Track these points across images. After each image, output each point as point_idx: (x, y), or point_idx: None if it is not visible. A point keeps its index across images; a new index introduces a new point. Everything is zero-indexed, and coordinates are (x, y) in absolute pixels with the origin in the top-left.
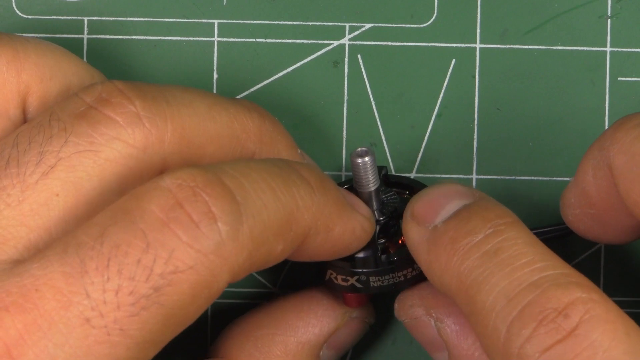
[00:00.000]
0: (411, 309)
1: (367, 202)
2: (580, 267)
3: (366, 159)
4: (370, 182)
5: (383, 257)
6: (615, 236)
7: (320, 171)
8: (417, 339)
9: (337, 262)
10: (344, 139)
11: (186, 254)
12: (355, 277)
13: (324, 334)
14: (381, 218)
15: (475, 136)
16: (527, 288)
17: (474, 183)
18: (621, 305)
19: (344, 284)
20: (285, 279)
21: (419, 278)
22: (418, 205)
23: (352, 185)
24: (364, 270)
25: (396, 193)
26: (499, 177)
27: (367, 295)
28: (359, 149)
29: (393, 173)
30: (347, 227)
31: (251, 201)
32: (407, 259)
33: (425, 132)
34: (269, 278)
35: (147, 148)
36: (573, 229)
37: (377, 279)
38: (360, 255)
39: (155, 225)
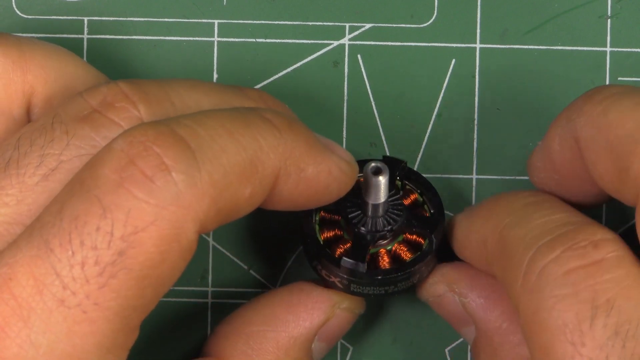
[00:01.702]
0: (433, 286)
1: (372, 211)
2: None
3: (380, 178)
4: (381, 197)
5: (369, 272)
6: (578, 201)
7: (289, 114)
8: (442, 316)
9: (324, 259)
10: (344, 139)
11: (144, 211)
12: (338, 279)
13: (314, 327)
14: (381, 229)
15: (475, 136)
16: (563, 224)
17: (474, 183)
18: None
19: (327, 278)
20: (285, 279)
21: (401, 293)
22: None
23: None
24: (346, 276)
25: (402, 202)
26: (499, 177)
27: None
28: (376, 164)
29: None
30: (321, 168)
31: (207, 146)
32: (390, 279)
33: (425, 132)
34: (269, 278)
35: None
36: (538, 189)
37: (358, 287)
38: (347, 260)
39: (109, 187)
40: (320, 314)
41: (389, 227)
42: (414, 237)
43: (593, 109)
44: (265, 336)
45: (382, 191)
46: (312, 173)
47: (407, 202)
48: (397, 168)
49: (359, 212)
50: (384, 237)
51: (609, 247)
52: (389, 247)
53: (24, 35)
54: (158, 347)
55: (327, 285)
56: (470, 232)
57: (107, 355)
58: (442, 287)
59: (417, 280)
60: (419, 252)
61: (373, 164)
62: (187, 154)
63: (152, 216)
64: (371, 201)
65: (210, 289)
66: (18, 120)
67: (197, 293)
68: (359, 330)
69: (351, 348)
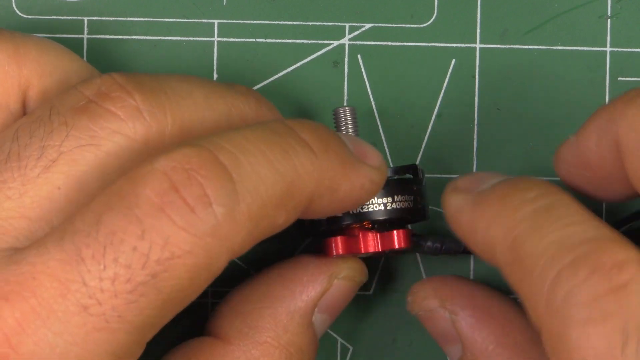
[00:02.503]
0: (425, 300)
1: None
2: None
3: (347, 108)
4: (350, 128)
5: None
6: (606, 197)
7: (324, 129)
8: (430, 332)
9: None
10: None
11: (182, 239)
12: None
13: (312, 299)
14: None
15: (475, 136)
16: (581, 241)
17: None
18: None
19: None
20: None
21: (399, 213)
22: (462, 180)
23: None
24: None
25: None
26: None
27: (349, 245)
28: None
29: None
30: (354, 185)
31: (247, 177)
32: (391, 184)
33: (425, 132)
34: None
35: (148, 141)
36: (564, 181)
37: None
38: None
39: (150, 210)
40: (316, 286)
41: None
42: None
43: (638, 113)
44: (262, 313)
45: (350, 125)
46: (345, 191)
47: None
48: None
49: None
50: None
51: (633, 268)
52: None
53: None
54: (158, 347)
55: (328, 242)
56: (476, 228)
57: None
58: (434, 302)
59: (414, 205)
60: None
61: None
62: (229, 186)
63: (189, 245)
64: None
65: (210, 289)
66: (14, 114)
67: None
68: (359, 330)
69: (351, 348)
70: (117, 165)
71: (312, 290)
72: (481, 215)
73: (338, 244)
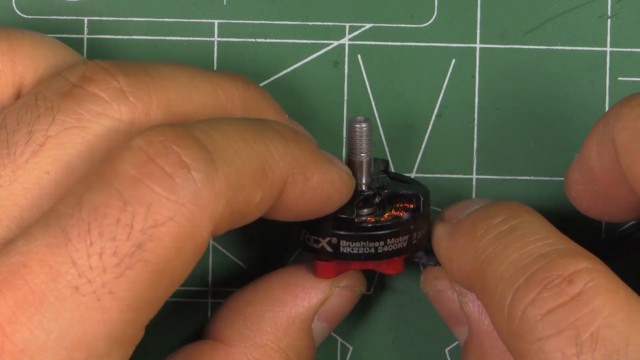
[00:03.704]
0: (435, 280)
1: (357, 172)
2: None
3: (364, 125)
4: (364, 150)
5: (358, 222)
6: (617, 213)
7: (297, 128)
8: (439, 312)
9: (311, 222)
10: (344, 139)
11: (164, 206)
12: (327, 239)
13: (313, 306)
14: (366, 191)
15: (475, 136)
16: (536, 259)
17: (474, 183)
18: None
19: (316, 245)
20: None
21: (392, 255)
22: (449, 209)
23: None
24: (336, 231)
25: (388, 179)
26: (499, 177)
27: (339, 268)
28: (359, 117)
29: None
30: (325, 177)
31: (222, 149)
32: (382, 232)
33: (425, 132)
34: None
35: (134, 122)
36: (576, 205)
37: (348, 244)
38: (338, 212)
39: (129, 182)
40: (318, 293)
41: (376, 186)
42: (403, 204)
43: (630, 112)
44: (262, 316)
45: (365, 142)
46: (317, 182)
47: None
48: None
49: None
50: (371, 201)
51: (584, 279)
52: (377, 216)
53: None
54: (158, 347)
55: (317, 256)
56: (451, 258)
57: (114, 347)
58: (443, 282)
59: (408, 243)
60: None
61: (357, 117)
62: (205, 155)
63: (171, 212)
64: (354, 157)
65: (210, 289)
66: None
67: (197, 293)
68: (359, 330)
69: (351, 348)
70: (104, 147)
71: (314, 297)
72: (455, 245)
73: (327, 267)
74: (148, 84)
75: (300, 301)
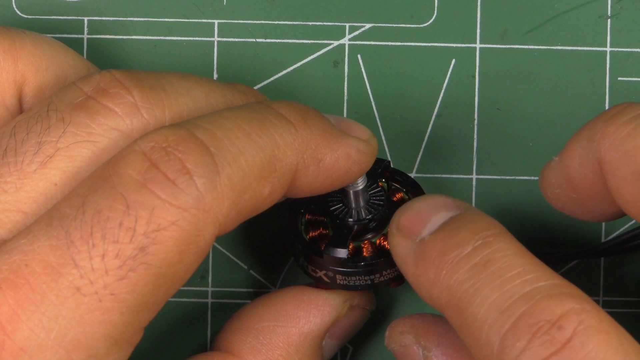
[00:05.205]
0: (400, 335)
1: (354, 200)
2: (580, 266)
3: None
4: (359, 182)
5: (352, 259)
6: (593, 217)
7: (302, 104)
8: None
9: (309, 253)
10: None
11: (167, 211)
12: (323, 272)
13: (325, 324)
14: (363, 218)
15: (475, 136)
16: (519, 300)
17: (474, 183)
18: (621, 305)
19: (313, 274)
20: (285, 279)
21: (389, 283)
22: (404, 217)
23: None
24: (331, 267)
25: (385, 194)
26: (499, 177)
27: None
28: None
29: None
30: (339, 155)
31: (226, 150)
32: (376, 266)
33: (425, 132)
34: (269, 278)
35: None
36: (550, 203)
37: (343, 278)
38: (332, 251)
39: (133, 187)
40: (331, 311)
41: (371, 216)
42: None
43: (618, 131)
44: (275, 331)
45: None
46: (330, 161)
47: (394, 199)
48: (379, 166)
49: (341, 205)
50: (367, 228)
51: (573, 323)
52: (373, 240)
53: None
54: (158, 347)
55: (316, 283)
56: (421, 285)
57: (113, 347)
58: (409, 337)
59: None
60: None
61: None
62: (207, 159)
63: (174, 216)
64: (350, 188)
65: (210, 289)
66: (11, 110)
67: (197, 293)
68: (359, 331)
69: (351, 348)
70: None
71: (327, 315)
72: (424, 273)
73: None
74: (163, 100)
75: (313, 318)
